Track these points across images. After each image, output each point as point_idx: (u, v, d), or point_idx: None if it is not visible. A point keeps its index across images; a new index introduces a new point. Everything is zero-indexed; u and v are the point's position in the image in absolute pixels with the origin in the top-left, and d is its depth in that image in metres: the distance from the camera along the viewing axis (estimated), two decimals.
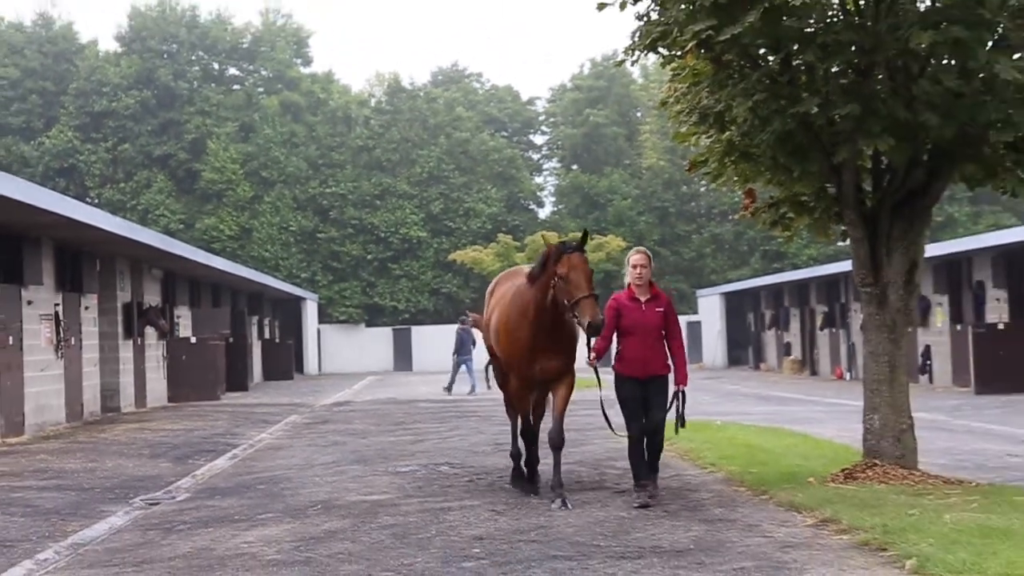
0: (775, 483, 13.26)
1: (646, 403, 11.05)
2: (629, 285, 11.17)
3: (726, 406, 29.27)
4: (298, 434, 23.75)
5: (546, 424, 13.50)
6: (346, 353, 71.28)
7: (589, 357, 11.19)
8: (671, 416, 11.81)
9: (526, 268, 14.08)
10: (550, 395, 13.04)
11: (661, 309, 10.93)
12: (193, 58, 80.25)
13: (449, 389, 41.28)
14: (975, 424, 23.16)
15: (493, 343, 13.62)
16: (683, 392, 10.99)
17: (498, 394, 39.76)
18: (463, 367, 42.24)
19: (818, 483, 13.25)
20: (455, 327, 45.29)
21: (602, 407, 12.55)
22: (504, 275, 14.60)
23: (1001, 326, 34.94)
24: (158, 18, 79.92)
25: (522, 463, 13.70)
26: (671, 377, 11.10)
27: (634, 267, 10.99)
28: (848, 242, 14.51)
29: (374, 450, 19.62)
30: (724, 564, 9.13)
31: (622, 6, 13.28)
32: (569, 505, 11.60)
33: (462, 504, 12.90)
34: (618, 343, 11.12)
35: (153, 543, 11.04)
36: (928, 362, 38.83)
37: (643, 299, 10.89)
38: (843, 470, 13.59)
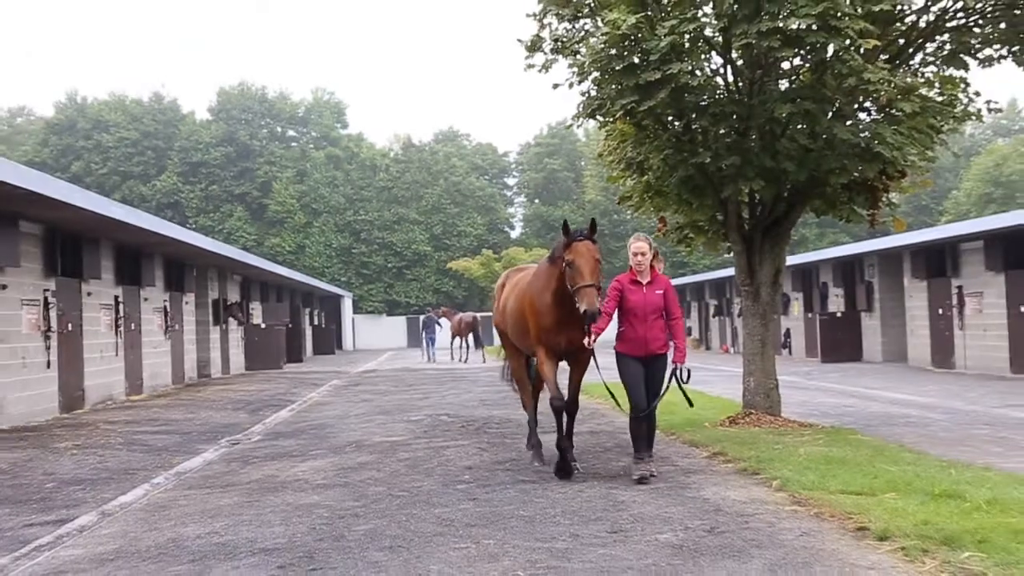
0: (680, 427, 13.30)
1: (646, 381, 9.18)
2: (631, 268, 9.33)
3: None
4: (338, 393, 23.67)
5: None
6: (372, 335, 71.10)
7: (591, 338, 9.18)
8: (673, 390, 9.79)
9: (529, 266, 12.14)
10: (570, 371, 10.62)
11: (661, 292, 9.16)
12: (263, 123, 79.99)
13: (431, 358, 43.42)
14: (821, 384, 23.24)
15: (512, 326, 11.11)
16: (680, 369, 9.18)
17: (475, 363, 39.94)
18: (426, 343, 44.85)
19: (711, 427, 13.34)
20: (429, 316, 48.11)
21: (606, 386, 10.44)
22: (511, 271, 12.34)
23: (839, 314, 35.40)
24: (238, 95, 79.68)
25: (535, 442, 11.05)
26: (670, 356, 9.30)
27: (635, 254, 9.21)
28: (732, 254, 14.58)
29: (393, 404, 19.59)
30: (645, 485, 9.19)
31: (570, 85, 13.29)
32: (579, 468, 9.85)
33: (456, 443, 12.92)
34: (620, 324, 9.33)
35: (234, 471, 11.05)
36: (788, 340, 38.98)
37: (644, 282, 9.15)
38: (728, 418, 13.67)
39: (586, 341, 9.26)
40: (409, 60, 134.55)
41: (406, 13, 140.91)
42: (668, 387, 9.57)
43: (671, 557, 6.46)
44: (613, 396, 10.35)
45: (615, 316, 9.56)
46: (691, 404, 10.30)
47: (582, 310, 8.92)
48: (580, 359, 10.19)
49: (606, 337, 9.19)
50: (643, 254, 9.33)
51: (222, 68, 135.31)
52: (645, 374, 9.34)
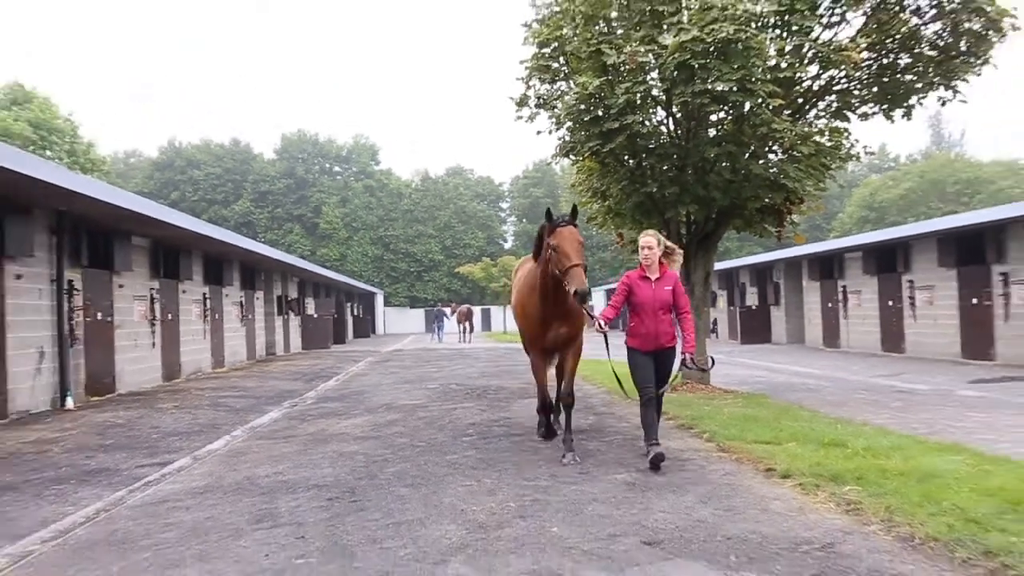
0: (633, 393, 13.26)
1: (656, 372, 7.56)
2: (640, 264, 7.73)
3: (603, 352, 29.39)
4: (372, 367, 23.62)
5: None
6: (398, 323, 70.97)
7: (596, 324, 7.61)
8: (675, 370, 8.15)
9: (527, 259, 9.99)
10: (563, 362, 8.90)
11: (670, 287, 7.58)
12: (315, 161, 79.60)
13: (439, 340, 45.16)
14: (740, 360, 23.26)
15: (516, 320, 9.44)
16: (690, 357, 7.59)
17: (478, 343, 39.77)
18: (436, 329, 46.88)
19: None
20: (437, 309, 51.43)
21: (614, 373, 8.69)
22: (522, 261, 10.24)
23: (754, 307, 35.25)
24: (297, 139, 79.43)
25: (546, 418, 9.38)
26: (679, 347, 7.68)
27: (643, 247, 7.64)
28: None
29: (414, 376, 19.55)
30: (607, 438, 9.21)
31: (549, 132, 13.30)
32: (577, 459, 7.87)
33: (463, 406, 12.88)
34: (630, 319, 7.71)
35: (293, 426, 11.00)
36: (715, 327, 38.91)
37: (653, 278, 7.59)
38: (671, 386, 13.64)
39: (596, 326, 7.58)
40: (427, 110, 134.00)
41: (427, 71, 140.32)
42: (678, 375, 8.00)
43: (626, 491, 6.47)
44: (620, 382, 8.44)
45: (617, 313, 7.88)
46: (672, 384, 8.43)
47: (572, 290, 7.23)
48: (572, 348, 8.47)
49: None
50: (651, 248, 7.64)
51: (282, 109, 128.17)
52: (654, 367, 7.63)
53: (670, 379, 7.76)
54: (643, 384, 7.52)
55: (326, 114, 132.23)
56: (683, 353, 7.67)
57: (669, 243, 8.03)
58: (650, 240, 7.64)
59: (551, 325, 8.13)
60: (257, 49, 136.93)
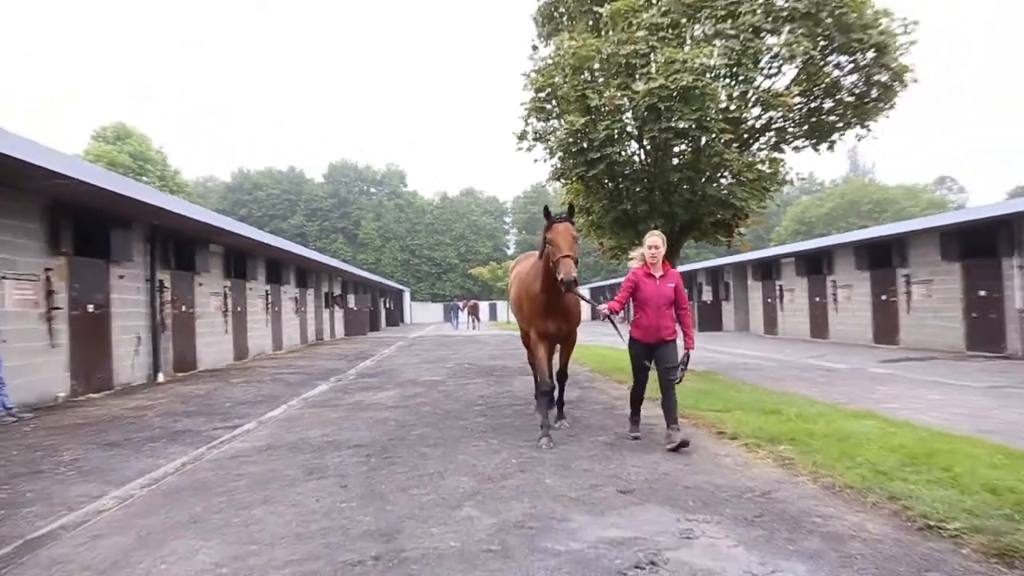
0: (611, 372, 13.27)
1: (651, 359, 6.75)
2: (645, 263, 6.95)
3: (590, 338, 29.42)
4: (401, 350, 23.63)
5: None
6: (422, 314, 70.84)
7: (602, 312, 6.88)
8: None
9: (533, 254, 8.73)
10: (560, 351, 7.94)
11: (672, 284, 6.82)
12: (355, 184, 79.47)
13: (455, 327, 46.25)
14: (697, 345, 23.23)
15: (516, 310, 8.30)
16: (688, 354, 6.78)
17: (485, 331, 39.96)
18: (452, 319, 48.68)
19: (629, 372, 13.27)
20: (452, 303, 55.19)
21: (618, 332, 7.20)
22: (521, 257, 9.29)
23: (709, 302, 35.15)
24: (341, 166, 79.41)
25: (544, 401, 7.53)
26: (680, 342, 6.82)
27: (650, 247, 6.85)
28: None
29: (435, 357, 19.56)
30: (589, 406, 9.18)
31: (544, 160, 13.23)
32: (567, 424, 7.73)
33: (474, 382, 12.88)
34: (635, 312, 6.93)
35: (338, 397, 11.00)
36: None
37: (657, 275, 6.83)
38: None
39: (602, 308, 6.84)
40: (447, 141, 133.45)
41: (447, 106, 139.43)
42: (682, 376, 6.73)
43: (606, 450, 6.47)
44: (619, 332, 7.22)
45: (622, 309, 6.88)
46: (680, 379, 6.72)
47: (559, 277, 6.47)
48: (569, 341, 7.70)
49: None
50: (657, 248, 6.80)
51: (282, 109, 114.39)
52: (649, 356, 6.77)
53: (679, 371, 6.60)
54: (637, 374, 6.95)
55: (326, 114, 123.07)
56: (685, 349, 6.70)
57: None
58: (656, 240, 6.80)
59: (551, 314, 7.24)
60: (257, 49, 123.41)
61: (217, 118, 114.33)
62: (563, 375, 7.96)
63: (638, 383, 7.03)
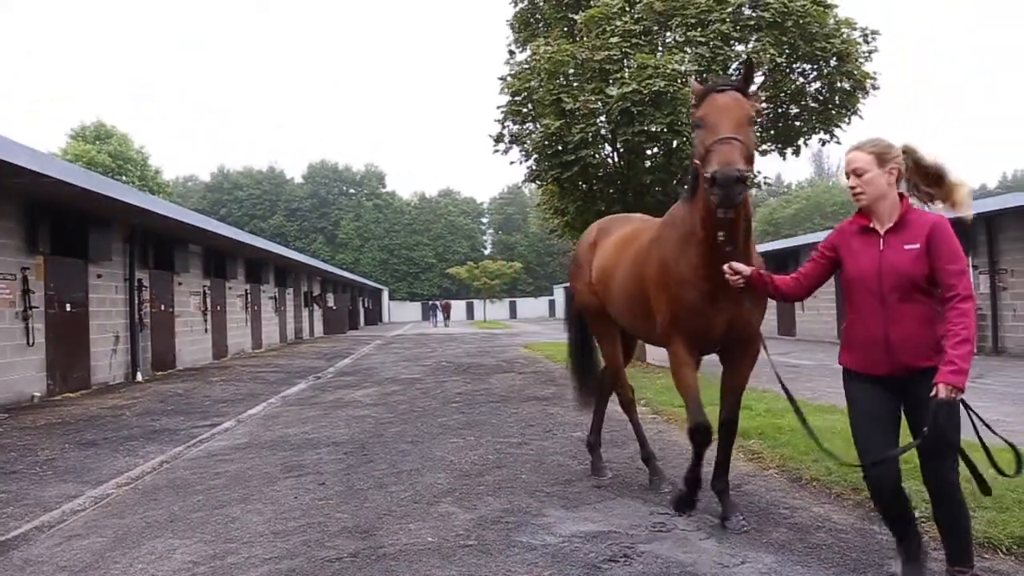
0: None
1: (896, 417, 2.70)
2: (857, 212, 2.79)
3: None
4: (379, 349, 23.50)
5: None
6: (400, 313, 70.56)
7: (730, 271, 3.30)
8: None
9: (637, 216, 5.30)
10: (725, 370, 4.51)
11: (918, 245, 2.57)
12: (334, 185, 78.70)
13: (435, 325, 48.38)
14: None
15: (622, 303, 4.58)
16: (943, 406, 2.38)
17: (463, 328, 40.22)
18: (432, 317, 51.18)
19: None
20: (433, 304, 57.55)
21: (791, 401, 3.76)
22: (606, 220, 5.44)
23: None
24: (319, 167, 78.71)
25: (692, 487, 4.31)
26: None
27: (851, 172, 2.71)
28: None
29: (412, 355, 19.47)
30: (566, 404, 9.16)
31: (521, 162, 13.31)
32: (744, 522, 3.99)
33: (451, 379, 12.84)
34: (846, 311, 2.86)
35: (317, 395, 10.90)
36: None
37: (882, 229, 2.67)
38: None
39: (725, 269, 3.37)
40: (425, 142, 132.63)
41: (418, 104, 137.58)
42: (921, 438, 2.55)
43: (580, 446, 6.45)
44: (815, 439, 3.30)
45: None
46: (987, 492, 2.70)
47: (709, 173, 3.16)
48: (748, 351, 4.31)
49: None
50: (864, 173, 2.74)
51: (281, 109, 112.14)
52: (891, 407, 2.74)
53: (917, 440, 2.64)
54: (869, 449, 2.78)
55: (325, 113, 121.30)
56: (933, 387, 2.52)
57: (923, 155, 2.85)
58: (861, 157, 2.81)
59: (721, 300, 3.80)
60: (257, 49, 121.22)
61: (217, 118, 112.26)
62: (733, 422, 4.42)
63: (883, 479, 2.78)
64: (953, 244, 2.69)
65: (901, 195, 2.83)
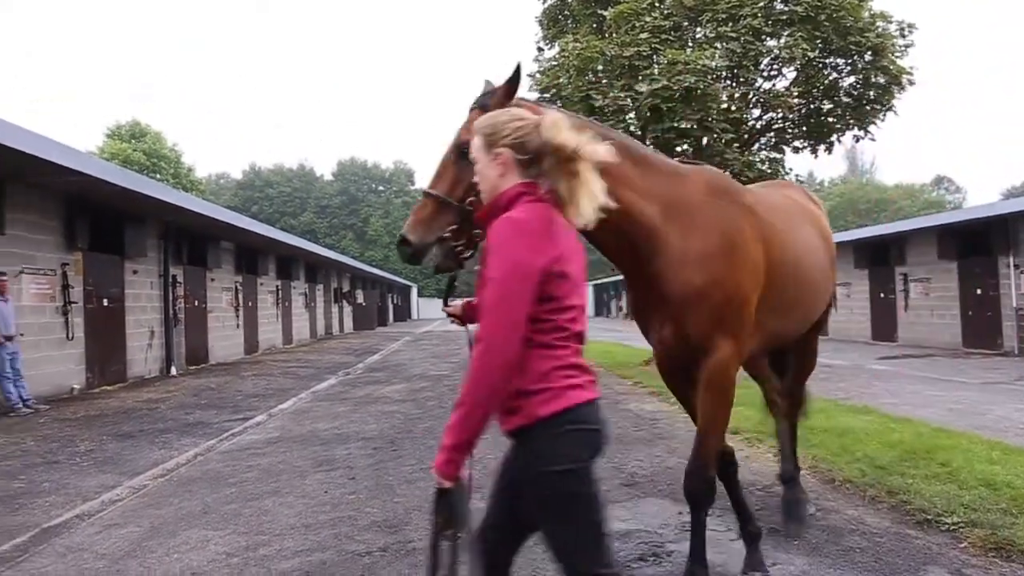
0: (614, 367, 13.25)
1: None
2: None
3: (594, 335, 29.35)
4: (407, 345, 23.65)
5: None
6: (428, 310, 70.89)
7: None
8: None
9: (788, 183, 4.83)
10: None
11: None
12: (364, 182, 79.44)
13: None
14: None
15: (743, 302, 2.95)
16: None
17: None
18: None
19: (633, 367, 13.19)
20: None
21: None
22: (761, 186, 4.03)
23: None
24: (349, 164, 79.45)
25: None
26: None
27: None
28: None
29: (440, 351, 19.55)
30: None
31: None
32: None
33: None
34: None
35: (347, 391, 11.01)
36: None
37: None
38: (644, 361, 13.49)
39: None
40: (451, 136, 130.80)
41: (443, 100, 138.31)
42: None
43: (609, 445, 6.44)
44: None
45: None
46: None
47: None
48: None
49: None
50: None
51: (281, 109, 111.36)
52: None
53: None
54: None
55: (328, 112, 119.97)
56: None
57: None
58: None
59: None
60: (257, 49, 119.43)
61: (217, 118, 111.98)
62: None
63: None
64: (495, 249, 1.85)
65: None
